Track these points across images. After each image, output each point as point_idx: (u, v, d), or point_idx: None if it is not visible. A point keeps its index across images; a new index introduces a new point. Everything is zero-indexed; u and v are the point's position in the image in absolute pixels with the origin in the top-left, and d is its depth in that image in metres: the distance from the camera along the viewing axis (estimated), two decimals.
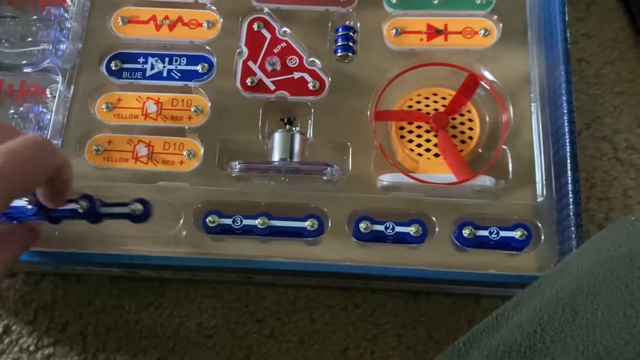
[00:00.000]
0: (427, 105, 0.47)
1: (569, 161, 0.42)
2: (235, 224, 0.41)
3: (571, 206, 0.40)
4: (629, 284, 0.31)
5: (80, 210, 0.38)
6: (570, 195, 0.41)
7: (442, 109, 0.46)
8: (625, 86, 0.52)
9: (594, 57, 0.53)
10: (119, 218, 0.39)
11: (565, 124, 0.42)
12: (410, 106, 0.47)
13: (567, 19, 0.46)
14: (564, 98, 0.43)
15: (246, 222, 0.41)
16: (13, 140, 0.32)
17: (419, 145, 0.45)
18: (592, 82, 0.52)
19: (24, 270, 0.46)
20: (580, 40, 0.54)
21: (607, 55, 0.53)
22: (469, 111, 0.46)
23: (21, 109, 0.45)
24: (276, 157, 0.44)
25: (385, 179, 0.44)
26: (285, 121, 0.46)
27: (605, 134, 0.50)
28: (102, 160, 0.44)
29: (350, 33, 0.48)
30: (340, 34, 0.48)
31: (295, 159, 0.44)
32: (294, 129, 0.45)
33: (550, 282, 0.34)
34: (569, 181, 0.41)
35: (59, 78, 0.46)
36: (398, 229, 0.41)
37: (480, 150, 0.45)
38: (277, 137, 0.44)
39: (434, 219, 0.42)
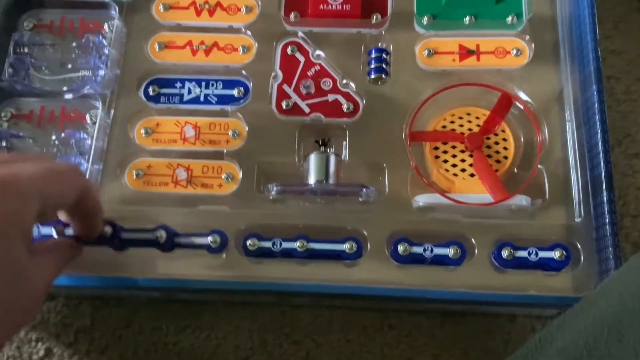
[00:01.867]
0: (461, 125, 0.47)
1: (604, 181, 0.42)
2: (275, 247, 0.42)
3: (607, 226, 0.40)
4: None
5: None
6: (607, 215, 0.41)
7: (476, 129, 0.46)
8: None
9: (623, 74, 0.54)
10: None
11: (599, 143, 0.42)
12: (444, 126, 0.47)
13: (598, 37, 0.46)
14: (597, 117, 0.43)
15: (285, 245, 0.42)
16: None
17: (454, 166, 0.46)
18: (622, 99, 0.53)
19: (64, 293, 0.46)
20: (609, 57, 0.54)
21: (637, 72, 0.54)
22: (503, 131, 0.47)
23: (62, 135, 0.46)
24: (312, 179, 0.44)
25: (421, 199, 0.44)
26: (320, 143, 0.46)
27: (637, 150, 0.51)
28: (142, 185, 0.45)
29: (383, 55, 0.48)
30: (373, 56, 0.48)
31: (331, 180, 0.44)
32: (329, 150, 0.46)
33: (593, 305, 0.35)
34: (605, 201, 0.41)
35: (99, 104, 0.47)
36: (437, 250, 0.41)
37: (515, 170, 0.46)
38: (313, 159, 0.45)
39: (472, 240, 0.42)
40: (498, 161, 0.46)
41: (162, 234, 0.40)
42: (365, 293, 0.40)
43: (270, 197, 0.45)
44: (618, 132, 0.51)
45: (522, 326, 0.45)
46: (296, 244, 0.42)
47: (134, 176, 0.45)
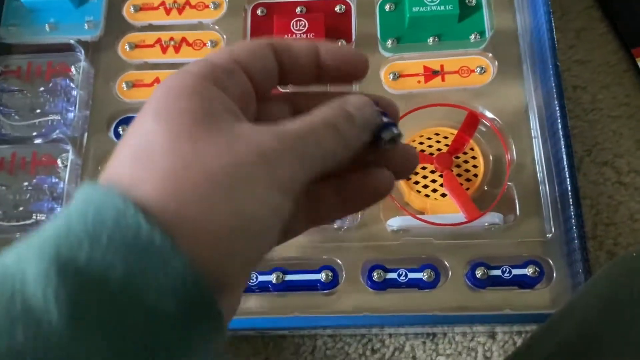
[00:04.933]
0: (430, 146, 0.47)
1: (570, 196, 0.42)
2: (252, 281, 0.42)
3: (576, 241, 0.41)
4: (630, 331, 0.31)
5: None
6: (575, 230, 0.41)
7: (445, 149, 0.47)
8: (622, 110, 0.53)
9: (588, 83, 0.54)
10: None
11: (564, 158, 0.43)
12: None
13: (557, 53, 0.46)
14: (561, 133, 0.44)
15: (261, 278, 0.42)
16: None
17: (425, 187, 0.46)
18: (589, 108, 0.53)
19: None
20: (574, 67, 0.55)
21: (602, 80, 0.54)
22: (472, 149, 0.47)
23: (34, 180, 0.46)
24: None
25: (394, 223, 0.45)
26: None
27: (606, 158, 0.51)
28: None
29: None
30: None
31: None
32: None
33: (556, 328, 0.34)
34: (572, 215, 0.42)
35: (69, 147, 0.47)
36: (411, 275, 0.42)
37: (486, 188, 0.46)
38: None
39: (446, 263, 0.43)
40: (469, 180, 0.46)
41: None
42: (343, 324, 0.41)
43: None
44: (587, 141, 0.52)
45: (503, 342, 0.45)
46: (272, 277, 0.42)
47: None
